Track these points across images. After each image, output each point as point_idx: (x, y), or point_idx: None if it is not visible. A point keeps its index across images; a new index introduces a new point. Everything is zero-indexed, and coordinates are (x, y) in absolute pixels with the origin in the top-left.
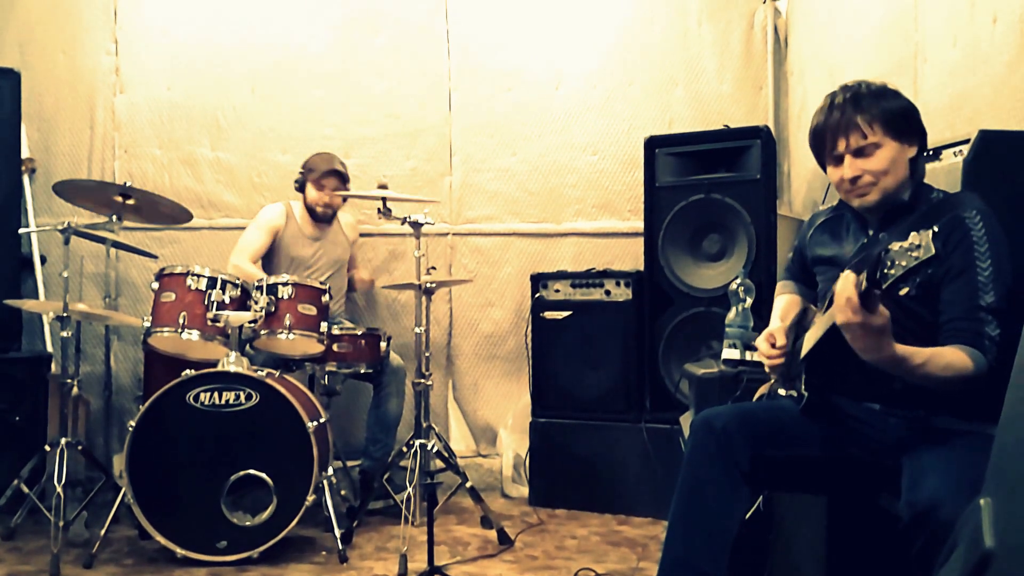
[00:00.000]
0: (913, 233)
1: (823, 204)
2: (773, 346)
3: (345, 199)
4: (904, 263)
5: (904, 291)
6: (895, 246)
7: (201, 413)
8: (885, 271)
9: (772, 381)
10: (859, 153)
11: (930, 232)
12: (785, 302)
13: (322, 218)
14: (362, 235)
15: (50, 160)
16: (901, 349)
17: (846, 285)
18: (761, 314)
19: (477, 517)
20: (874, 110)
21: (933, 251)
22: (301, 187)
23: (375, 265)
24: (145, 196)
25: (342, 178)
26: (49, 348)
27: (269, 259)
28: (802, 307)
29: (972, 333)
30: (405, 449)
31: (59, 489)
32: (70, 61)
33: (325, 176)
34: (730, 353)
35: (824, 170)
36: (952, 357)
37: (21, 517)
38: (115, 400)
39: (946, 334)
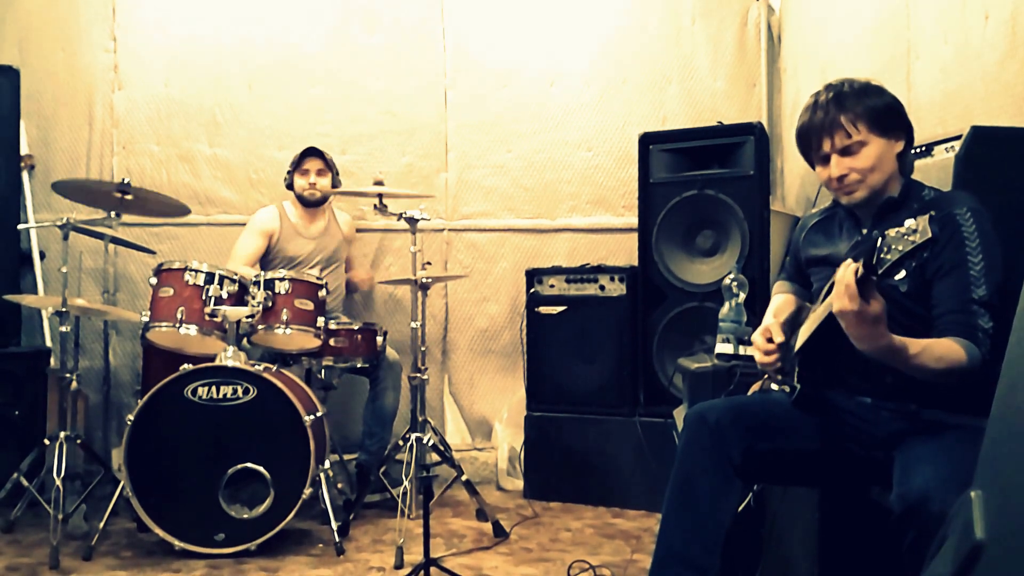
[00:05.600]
0: (909, 219)
1: (816, 200)
2: (769, 341)
3: (334, 191)
4: (901, 247)
5: (900, 276)
6: (892, 232)
7: (199, 407)
8: (882, 256)
9: (766, 377)
10: (845, 152)
11: (927, 216)
12: (780, 301)
13: (312, 202)
14: (358, 231)
15: (49, 156)
16: (896, 339)
17: (846, 272)
18: (754, 309)
19: (472, 510)
20: (857, 108)
21: (930, 234)
22: (290, 184)
23: (371, 260)
24: (142, 193)
25: (321, 156)
26: (48, 343)
27: (266, 260)
28: (797, 305)
29: (965, 326)
30: (401, 443)
31: (58, 482)
32: (69, 58)
33: (304, 159)
34: (723, 348)
35: (813, 168)
36: (945, 349)
37: (21, 510)
38: (114, 394)
39: (939, 327)
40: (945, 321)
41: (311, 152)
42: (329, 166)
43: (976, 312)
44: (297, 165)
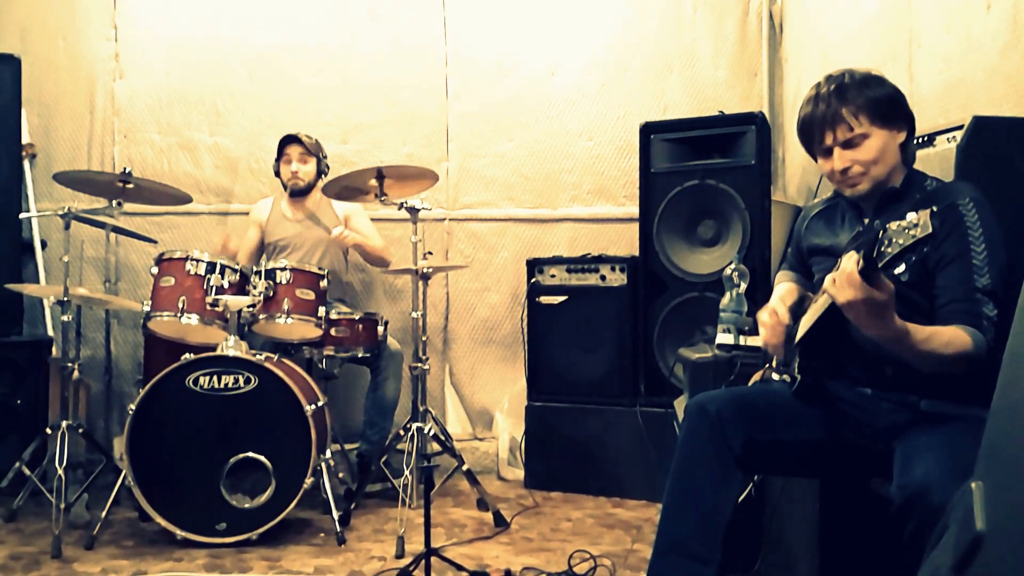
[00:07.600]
0: (911, 213)
1: (818, 190)
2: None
3: (320, 176)
4: (901, 241)
5: (900, 269)
6: (893, 225)
7: (200, 397)
8: (883, 249)
9: (767, 367)
10: (847, 145)
11: (928, 211)
12: (784, 288)
13: (296, 191)
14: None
15: (50, 145)
16: (904, 325)
17: (848, 263)
18: (755, 299)
19: (473, 500)
20: (859, 100)
21: (931, 229)
22: (277, 172)
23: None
24: (144, 182)
25: (300, 141)
26: (50, 332)
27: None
28: (800, 294)
29: (970, 314)
30: (402, 432)
31: (60, 472)
32: (70, 47)
33: (283, 147)
34: (724, 338)
35: (815, 160)
36: (952, 335)
37: (23, 499)
38: (115, 384)
39: (944, 316)
40: (949, 310)
41: (290, 139)
42: (311, 151)
43: (980, 300)
44: (280, 154)
